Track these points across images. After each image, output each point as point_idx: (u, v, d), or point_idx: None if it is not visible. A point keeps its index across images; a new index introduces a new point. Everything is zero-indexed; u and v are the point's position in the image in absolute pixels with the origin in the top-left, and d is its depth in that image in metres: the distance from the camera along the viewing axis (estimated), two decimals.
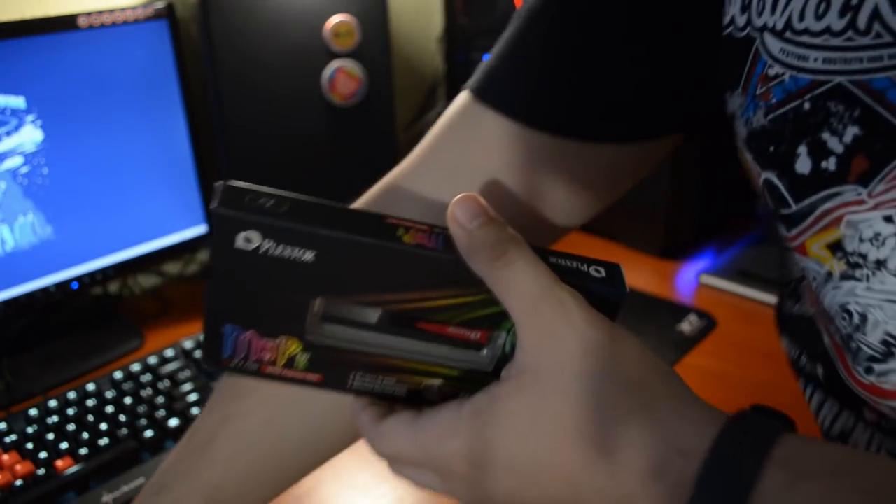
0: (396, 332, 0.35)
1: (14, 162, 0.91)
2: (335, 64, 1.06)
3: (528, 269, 0.32)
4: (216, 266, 0.33)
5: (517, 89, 0.44)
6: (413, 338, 0.35)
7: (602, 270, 0.34)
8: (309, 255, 0.32)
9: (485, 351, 0.35)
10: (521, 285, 0.32)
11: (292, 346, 0.35)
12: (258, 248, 0.32)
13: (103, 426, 0.84)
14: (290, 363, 0.35)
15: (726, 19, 0.39)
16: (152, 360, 0.94)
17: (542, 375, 0.31)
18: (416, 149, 0.49)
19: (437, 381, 0.36)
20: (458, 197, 0.33)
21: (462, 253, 0.32)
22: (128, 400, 0.88)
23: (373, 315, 0.34)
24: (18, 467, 0.78)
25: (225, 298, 0.34)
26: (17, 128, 0.91)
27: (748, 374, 0.92)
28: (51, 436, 0.83)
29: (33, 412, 0.86)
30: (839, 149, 0.34)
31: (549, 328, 0.31)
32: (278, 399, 0.46)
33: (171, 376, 0.92)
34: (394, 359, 0.35)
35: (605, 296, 0.33)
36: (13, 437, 0.82)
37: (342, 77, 1.07)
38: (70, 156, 0.96)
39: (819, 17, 0.33)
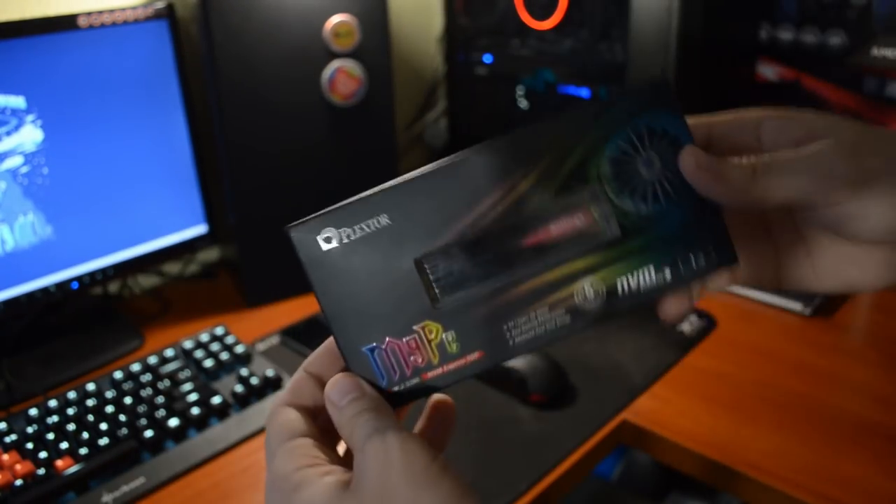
0: (510, 261, 0.33)
1: (14, 162, 0.91)
2: (335, 64, 1.06)
3: (395, 445, 0.32)
4: (323, 292, 0.33)
5: None
6: (529, 257, 0.33)
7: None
8: (384, 219, 0.33)
9: (598, 222, 0.33)
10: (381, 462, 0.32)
11: (434, 331, 0.34)
12: (341, 240, 0.33)
13: (103, 426, 0.84)
14: (445, 353, 0.34)
15: None
16: (152, 360, 0.94)
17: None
18: None
19: (587, 281, 0.33)
20: (333, 378, 0.34)
21: (337, 428, 0.34)
22: (128, 400, 0.88)
23: (478, 248, 0.33)
24: (18, 467, 0.78)
25: (346, 319, 0.34)
26: (17, 128, 0.91)
27: (748, 374, 0.92)
28: (51, 436, 0.83)
29: (33, 412, 0.86)
30: None
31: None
32: None
33: (171, 376, 0.92)
34: (529, 281, 0.33)
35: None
36: (13, 437, 0.82)
37: (342, 77, 1.07)
38: (70, 156, 0.96)
39: None
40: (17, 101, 0.90)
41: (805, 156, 0.32)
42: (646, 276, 0.34)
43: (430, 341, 0.34)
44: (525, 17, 1.19)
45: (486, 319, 0.34)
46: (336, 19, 1.04)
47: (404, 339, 0.34)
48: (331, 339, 0.36)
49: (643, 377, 0.91)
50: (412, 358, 0.34)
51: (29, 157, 0.92)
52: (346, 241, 0.33)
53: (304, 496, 0.32)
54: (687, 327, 1.01)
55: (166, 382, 0.91)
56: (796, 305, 1.04)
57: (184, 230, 1.08)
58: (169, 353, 0.96)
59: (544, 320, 0.34)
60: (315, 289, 0.33)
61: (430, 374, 0.34)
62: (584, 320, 0.34)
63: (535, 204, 0.33)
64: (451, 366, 0.34)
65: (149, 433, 0.83)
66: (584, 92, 1.15)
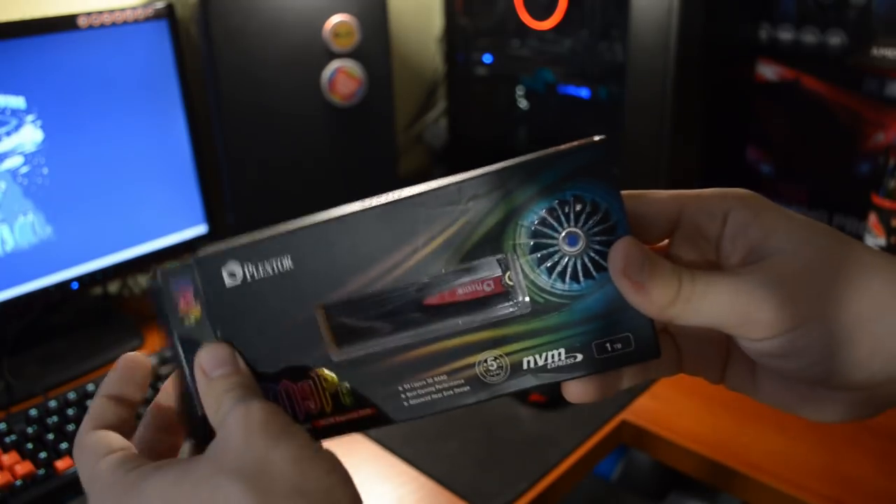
0: (412, 319, 0.32)
1: (14, 162, 0.91)
2: (335, 64, 1.06)
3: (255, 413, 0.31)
4: (218, 322, 0.32)
5: None
6: (432, 318, 0.32)
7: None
8: (287, 262, 0.32)
9: (510, 294, 0.31)
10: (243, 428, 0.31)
11: (328, 380, 0.33)
12: (244, 277, 0.32)
13: None
14: (338, 404, 0.33)
15: None
16: (152, 360, 0.94)
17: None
18: None
19: (492, 353, 0.31)
20: (209, 345, 0.33)
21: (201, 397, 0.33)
22: None
23: (379, 304, 0.32)
24: (18, 467, 0.78)
25: (243, 356, 0.33)
26: (17, 128, 0.91)
27: None
28: (51, 436, 0.83)
29: (33, 412, 0.86)
30: None
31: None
32: None
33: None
34: (430, 345, 0.32)
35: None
36: (13, 437, 0.82)
37: (342, 77, 1.07)
38: (70, 156, 0.96)
39: None
40: (17, 101, 0.90)
41: (733, 288, 0.29)
42: (555, 358, 0.31)
43: (324, 389, 0.33)
44: (525, 17, 1.19)
45: (382, 377, 0.32)
46: (336, 19, 1.04)
47: (298, 384, 0.33)
48: (132, 360, 0.36)
49: None
50: (306, 403, 0.33)
51: (29, 157, 0.92)
52: (248, 280, 0.32)
53: (147, 489, 0.30)
54: None
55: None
56: None
57: (183, 230, 1.08)
58: (169, 353, 0.96)
59: (441, 388, 0.32)
60: (214, 323, 0.32)
61: (323, 423, 0.33)
62: (485, 393, 0.32)
63: (441, 266, 0.31)
64: (343, 418, 0.33)
65: None
66: (584, 92, 1.15)
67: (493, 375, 0.32)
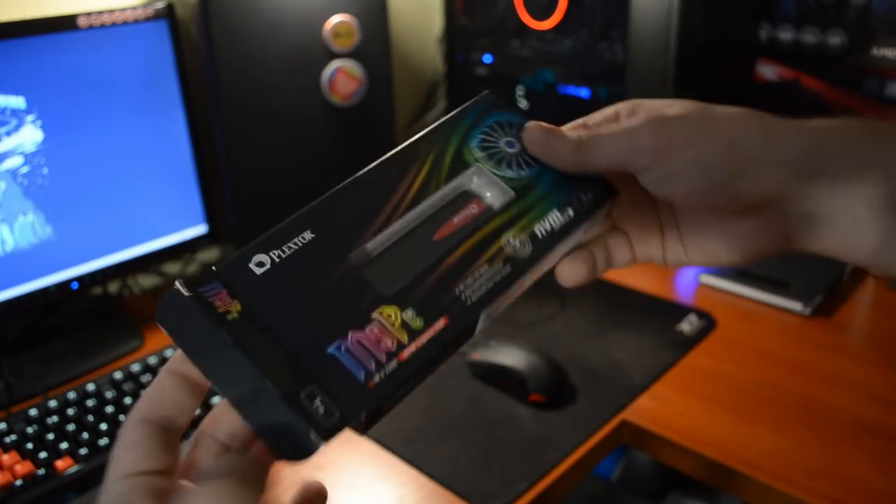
0: (432, 245, 0.36)
1: (14, 162, 0.91)
2: (335, 64, 1.06)
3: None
4: (261, 307, 0.33)
5: None
6: (445, 241, 0.37)
7: None
8: (308, 234, 0.35)
9: (490, 196, 0.39)
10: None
11: (392, 314, 0.34)
12: (272, 261, 0.34)
13: (103, 426, 0.84)
14: (411, 331, 0.34)
15: None
16: (152, 360, 0.94)
17: None
18: None
19: (509, 235, 0.38)
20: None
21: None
22: (128, 400, 0.88)
23: (402, 239, 0.36)
24: (18, 467, 0.78)
25: (298, 331, 0.33)
26: (17, 128, 0.91)
27: (748, 373, 0.92)
28: (51, 436, 0.83)
29: (33, 412, 0.86)
30: None
31: None
32: None
33: None
34: (456, 250, 0.36)
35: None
36: (13, 437, 0.82)
37: (342, 77, 1.07)
38: (70, 156, 0.96)
39: None
40: (17, 101, 0.90)
41: (620, 130, 0.38)
42: (555, 218, 0.39)
43: (391, 324, 0.34)
44: (525, 17, 1.19)
45: (437, 290, 0.35)
46: (336, 19, 1.04)
47: (366, 330, 0.33)
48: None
49: (643, 377, 0.91)
50: (381, 344, 0.33)
51: (29, 158, 0.92)
52: (277, 261, 0.34)
53: None
54: (687, 327, 1.01)
55: None
56: (796, 305, 1.04)
57: (183, 230, 1.08)
58: (169, 353, 0.96)
59: (489, 276, 0.36)
60: (250, 308, 0.32)
61: (406, 354, 0.33)
62: (524, 264, 0.37)
63: (432, 191, 0.38)
64: (423, 339, 0.34)
65: None
66: (584, 92, 1.16)
67: (521, 250, 0.37)
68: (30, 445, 0.81)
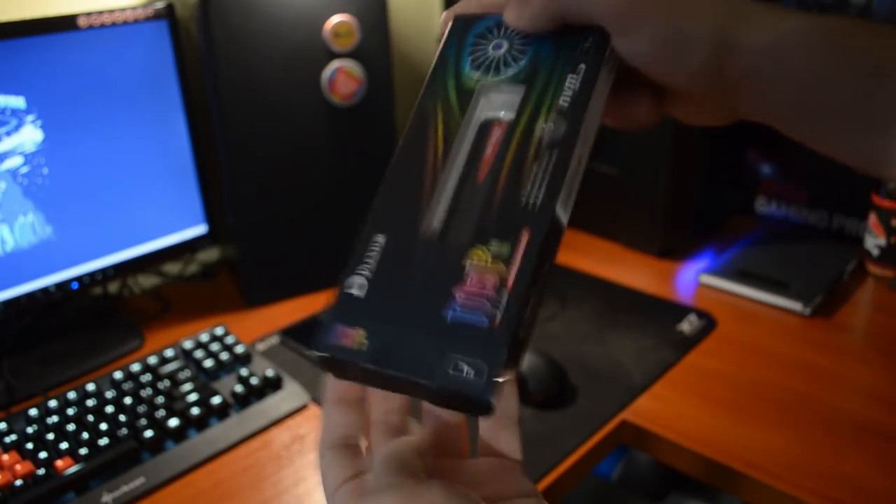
0: (477, 179, 0.37)
1: (14, 162, 0.91)
2: (335, 64, 1.06)
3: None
4: (377, 323, 0.35)
5: None
6: (488, 177, 0.37)
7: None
8: (381, 238, 0.37)
9: (506, 108, 0.39)
10: None
11: (479, 254, 0.35)
12: (366, 278, 0.36)
13: (103, 426, 0.84)
14: (503, 258, 0.35)
15: None
16: (152, 360, 0.94)
17: None
18: None
19: (538, 123, 0.38)
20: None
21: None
22: (128, 400, 0.88)
23: (455, 193, 0.37)
24: (18, 467, 0.78)
25: (413, 316, 0.35)
26: (17, 128, 0.91)
27: (748, 373, 0.92)
28: (51, 436, 0.83)
29: (33, 412, 0.86)
30: None
31: None
32: None
33: (171, 376, 0.92)
34: (503, 160, 0.37)
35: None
36: (13, 437, 0.82)
37: (342, 77, 1.07)
38: (70, 156, 0.96)
39: None
40: (17, 101, 0.90)
41: None
42: (571, 82, 0.39)
43: (485, 263, 0.35)
44: None
45: (506, 212, 0.36)
46: (336, 19, 1.04)
47: (466, 280, 0.35)
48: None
49: (643, 377, 0.91)
50: (485, 284, 0.35)
51: (29, 158, 0.92)
52: (370, 276, 0.36)
53: None
54: (687, 327, 1.01)
55: (166, 382, 0.91)
56: (796, 305, 1.04)
57: (184, 230, 1.08)
58: (169, 353, 0.96)
59: (541, 170, 0.37)
60: (370, 328, 0.35)
61: (510, 281, 0.34)
62: (567, 139, 0.38)
63: (457, 131, 0.39)
64: (517, 259, 0.35)
65: (149, 433, 0.83)
66: None
67: (557, 129, 0.38)
68: (30, 445, 0.81)
